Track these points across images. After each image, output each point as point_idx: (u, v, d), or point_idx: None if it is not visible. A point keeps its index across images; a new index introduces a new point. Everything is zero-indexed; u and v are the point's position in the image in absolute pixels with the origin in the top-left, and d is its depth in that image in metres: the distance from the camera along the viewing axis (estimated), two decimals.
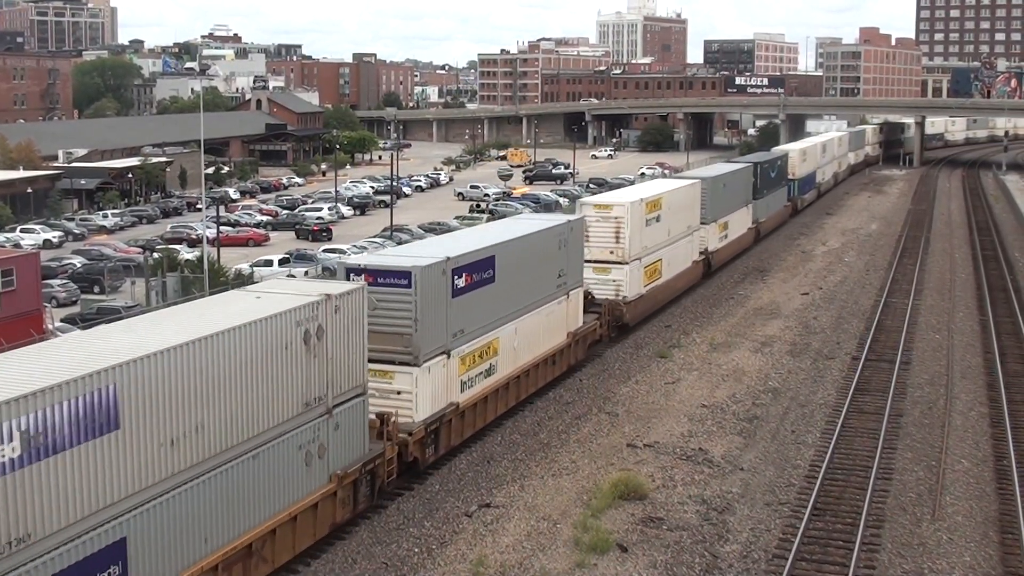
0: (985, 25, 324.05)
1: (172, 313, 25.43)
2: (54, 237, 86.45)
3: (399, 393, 30.01)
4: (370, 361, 28.28)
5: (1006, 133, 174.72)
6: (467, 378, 33.43)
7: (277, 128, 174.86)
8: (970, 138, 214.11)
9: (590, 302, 45.50)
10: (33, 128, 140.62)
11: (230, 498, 22.76)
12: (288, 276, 54.07)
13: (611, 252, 48.02)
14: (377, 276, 29.82)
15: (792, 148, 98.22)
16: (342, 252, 69.09)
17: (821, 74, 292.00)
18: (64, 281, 62.67)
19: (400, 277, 29.96)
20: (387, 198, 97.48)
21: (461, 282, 32.71)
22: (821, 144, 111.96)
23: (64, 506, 18.60)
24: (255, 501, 23.57)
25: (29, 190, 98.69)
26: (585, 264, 44.96)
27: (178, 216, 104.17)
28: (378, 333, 29.22)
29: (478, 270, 33.84)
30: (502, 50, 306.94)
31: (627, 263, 48.19)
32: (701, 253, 60.96)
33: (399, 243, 67.59)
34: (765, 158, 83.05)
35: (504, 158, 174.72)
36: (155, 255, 68.03)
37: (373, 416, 28.61)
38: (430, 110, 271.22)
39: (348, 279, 29.68)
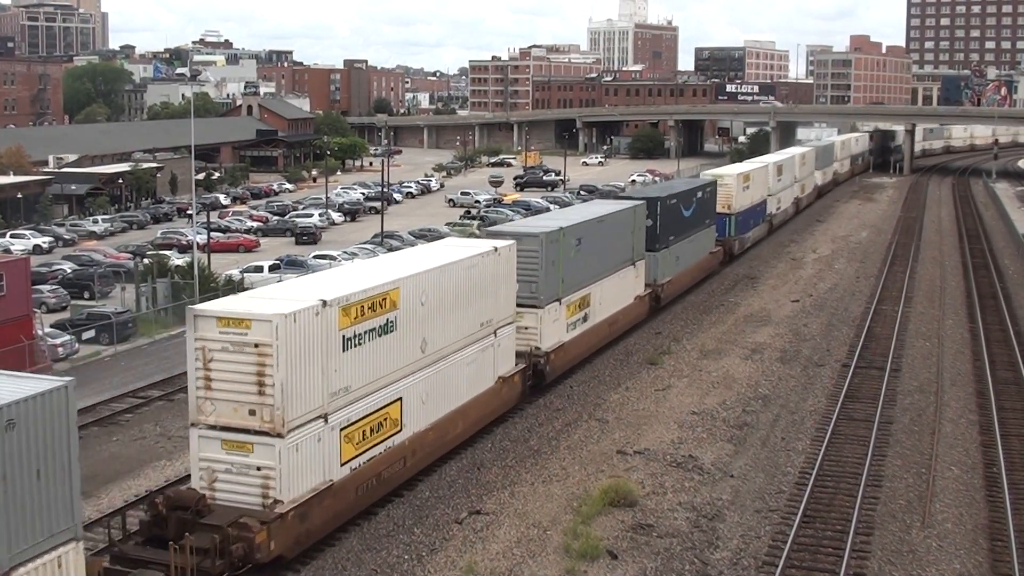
0: (975, 33, 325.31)
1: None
2: (44, 242, 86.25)
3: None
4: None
5: (996, 142, 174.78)
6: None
7: (268, 134, 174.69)
8: (926, 150, 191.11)
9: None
10: (23, 133, 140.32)
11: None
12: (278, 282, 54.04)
13: None
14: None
15: (727, 173, 75.11)
16: (332, 258, 69.10)
17: (812, 82, 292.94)
18: (54, 286, 62.51)
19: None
20: (378, 204, 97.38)
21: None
22: (775, 164, 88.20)
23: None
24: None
25: (19, 195, 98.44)
26: None
27: (168, 222, 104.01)
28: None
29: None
30: (493, 57, 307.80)
31: None
32: (523, 358, 38.98)
33: (390, 249, 67.60)
34: (676, 190, 60.40)
35: (499, 164, 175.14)
36: (145, 261, 67.93)
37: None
38: (421, 116, 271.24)
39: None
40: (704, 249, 64.58)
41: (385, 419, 28.99)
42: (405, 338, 29.63)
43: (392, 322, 28.83)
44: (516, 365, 37.59)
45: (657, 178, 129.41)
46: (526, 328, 38.87)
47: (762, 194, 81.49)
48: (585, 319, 44.27)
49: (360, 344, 27.50)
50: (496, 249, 35.45)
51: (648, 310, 53.64)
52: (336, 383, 26.53)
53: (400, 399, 29.61)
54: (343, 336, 26.76)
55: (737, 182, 72.62)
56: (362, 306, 27.53)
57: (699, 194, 62.87)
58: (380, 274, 29.95)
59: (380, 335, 28.36)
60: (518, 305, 37.77)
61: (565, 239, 41.25)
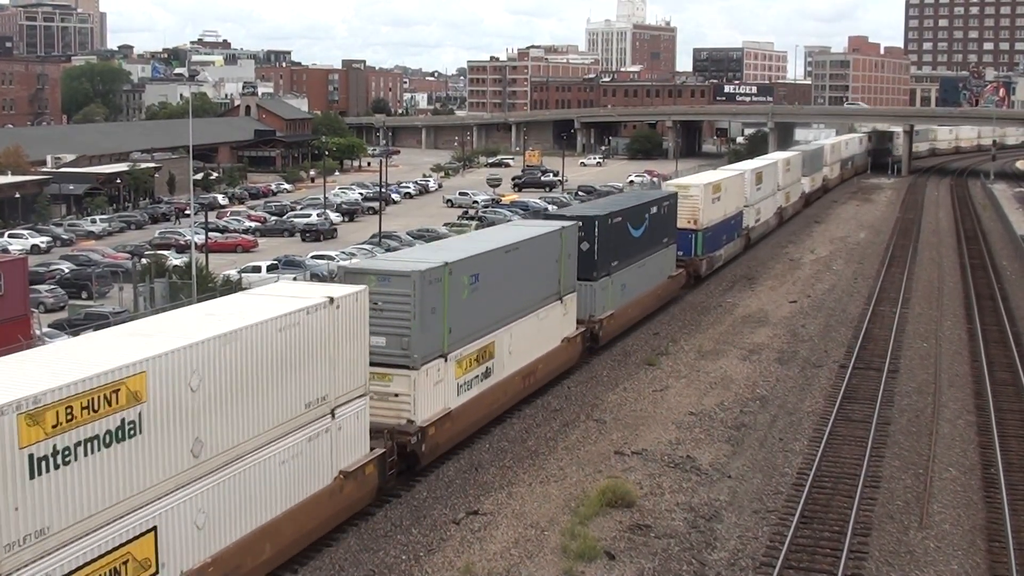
0: (974, 35, 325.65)
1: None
2: (42, 242, 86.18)
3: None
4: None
5: (994, 143, 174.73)
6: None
7: (266, 134, 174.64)
8: (913, 152, 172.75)
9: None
10: (21, 133, 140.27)
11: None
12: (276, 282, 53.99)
13: None
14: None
15: (692, 183, 65.74)
16: (331, 258, 69.10)
17: (810, 83, 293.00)
18: (52, 286, 62.51)
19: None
20: (376, 204, 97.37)
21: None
22: (752, 172, 79.33)
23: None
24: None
25: (17, 195, 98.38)
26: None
27: (166, 222, 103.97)
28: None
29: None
30: (491, 57, 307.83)
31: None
32: (387, 437, 30.23)
33: (388, 250, 67.57)
34: (622, 206, 51.10)
35: (497, 165, 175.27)
36: (143, 261, 67.89)
37: None
38: (419, 117, 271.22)
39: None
40: (661, 273, 56.31)
41: (124, 562, 20.24)
42: (159, 442, 20.88)
43: (134, 423, 20.20)
44: (372, 451, 28.74)
45: (655, 179, 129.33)
46: (395, 396, 30.61)
47: (737, 205, 73.12)
48: (487, 375, 35.68)
49: (66, 463, 18.82)
50: (332, 300, 26.48)
51: (581, 352, 44.87)
52: (17, 528, 17.93)
53: (154, 529, 20.88)
54: (30, 456, 18.13)
55: (705, 193, 63.79)
56: (69, 407, 18.81)
57: (653, 209, 53.95)
58: (118, 353, 20.74)
59: (107, 444, 19.64)
60: (384, 366, 30.27)
61: (453, 277, 32.71)
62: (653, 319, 54.86)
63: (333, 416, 26.68)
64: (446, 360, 32.58)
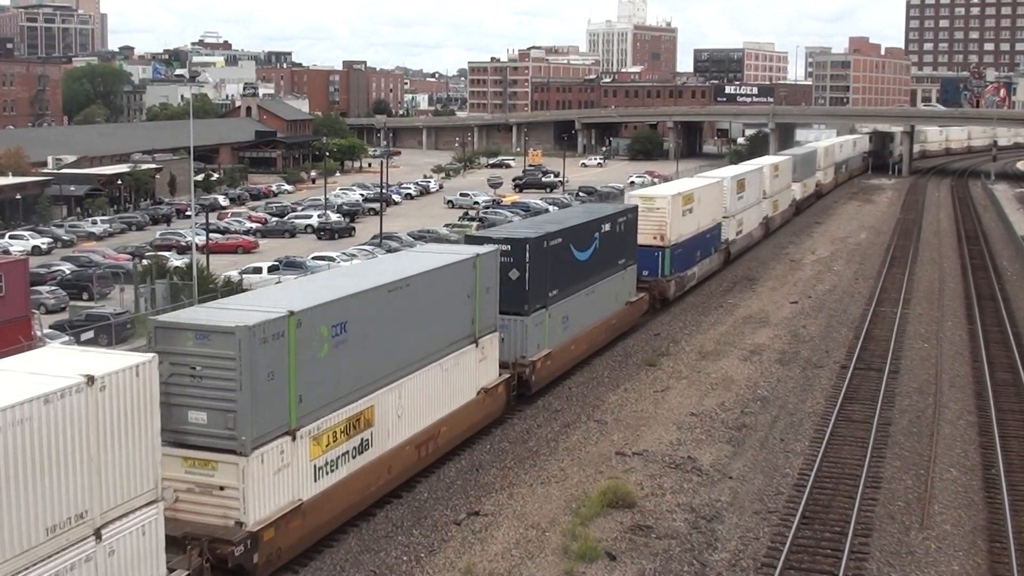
0: (974, 35, 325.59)
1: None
2: (43, 243, 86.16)
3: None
4: None
5: (994, 143, 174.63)
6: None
7: (267, 135, 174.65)
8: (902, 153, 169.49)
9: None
10: (22, 134, 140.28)
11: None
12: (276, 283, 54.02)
13: None
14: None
15: (659, 194, 58.12)
16: (331, 259, 69.13)
17: (811, 83, 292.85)
18: (53, 288, 62.48)
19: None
20: (377, 205, 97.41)
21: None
22: (733, 179, 71.80)
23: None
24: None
25: (18, 196, 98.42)
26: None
27: (167, 223, 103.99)
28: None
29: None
30: (492, 58, 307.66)
31: None
32: (199, 549, 23.08)
33: (389, 250, 67.59)
34: (563, 224, 43.98)
35: (498, 165, 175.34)
36: (144, 262, 67.91)
37: None
38: (420, 118, 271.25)
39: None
40: (617, 299, 49.49)
41: None
42: None
43: None
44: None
45: (656, 179, 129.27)
46: (220, 490, 23.76)
47: (714, 217, 66.29)
48: (362, 449, 28.35)
49: None
50: (93, 380, 19.47)
51: (505, 404, 37.51)
52: None
53: None
54: None
55: (673, 205, 56.63)
56: None
57: (605, 227, 47.19)
58: None
59: None
60: (206, 450, 23.82)
61: (304, 330, 25.51)
62: (613, 348, 48.69)
63: (99, 538, 19.80)
64: (295, 438, 25.29)
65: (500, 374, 36.99)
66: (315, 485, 26.29)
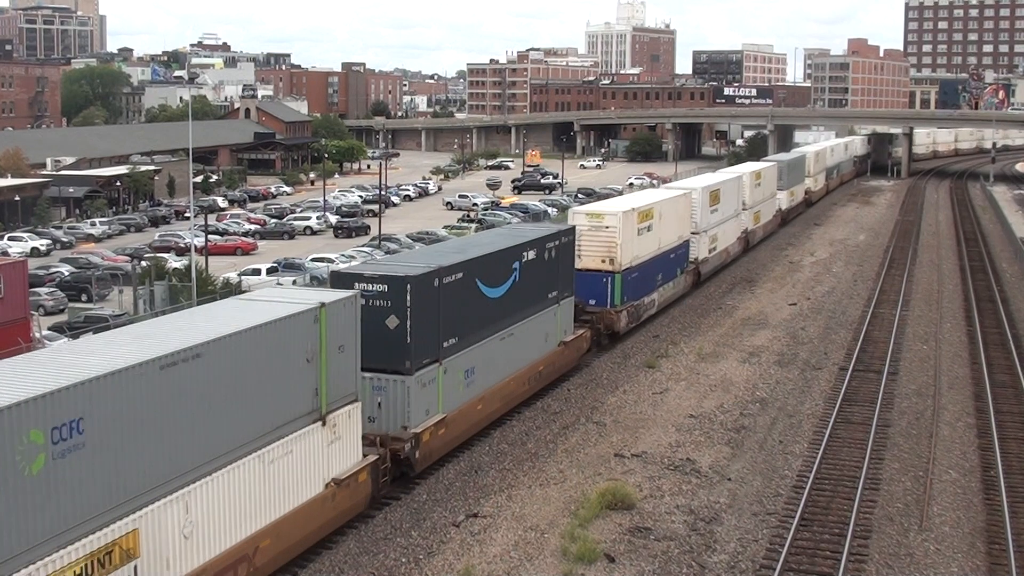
0: (973, 37, 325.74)
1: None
2: (42, 245, 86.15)
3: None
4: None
5: (994, 144, 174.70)
6: None
7: (265, 137, 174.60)
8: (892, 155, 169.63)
9: None
10: (21, 136, 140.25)
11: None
12: (276, 284, 54.07)
13: None
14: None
15: (608, 211, 50.39)
16: (330, 261, 69.13)
17: (809, 85, 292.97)
18: (52, 289, 62.43)
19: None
20: (375, 207, 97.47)
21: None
22: (705, 190, 63.58)
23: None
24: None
25: (17, 198, 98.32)
26: None
27: (166, 225, 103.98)
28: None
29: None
30: (491, 60, 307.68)
31: None
32: None
33: (387, 252, 67.60)
34: (467, 255, 35.48)
35: (497, 167, 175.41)
36: (143, 264, 67.87)
37: None
38: (419, 119, 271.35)
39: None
40: (546, 340, 41.31)
41: None
42: None
43: None
44: None
45: (655, 181, 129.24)
46: None
47: (680, 234, 58.52)
48: None
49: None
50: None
51: (369, 496, 28.86)
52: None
53: None
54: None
55: (626, 223, 48.89)
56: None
57: (528, 254, 39.12)
58: None
59: None
60: None
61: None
62: (540, 399, 40.93)
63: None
64: None
65: (364, 456, 28.59)
66: None
